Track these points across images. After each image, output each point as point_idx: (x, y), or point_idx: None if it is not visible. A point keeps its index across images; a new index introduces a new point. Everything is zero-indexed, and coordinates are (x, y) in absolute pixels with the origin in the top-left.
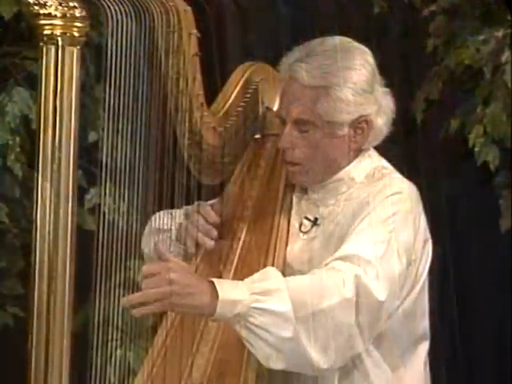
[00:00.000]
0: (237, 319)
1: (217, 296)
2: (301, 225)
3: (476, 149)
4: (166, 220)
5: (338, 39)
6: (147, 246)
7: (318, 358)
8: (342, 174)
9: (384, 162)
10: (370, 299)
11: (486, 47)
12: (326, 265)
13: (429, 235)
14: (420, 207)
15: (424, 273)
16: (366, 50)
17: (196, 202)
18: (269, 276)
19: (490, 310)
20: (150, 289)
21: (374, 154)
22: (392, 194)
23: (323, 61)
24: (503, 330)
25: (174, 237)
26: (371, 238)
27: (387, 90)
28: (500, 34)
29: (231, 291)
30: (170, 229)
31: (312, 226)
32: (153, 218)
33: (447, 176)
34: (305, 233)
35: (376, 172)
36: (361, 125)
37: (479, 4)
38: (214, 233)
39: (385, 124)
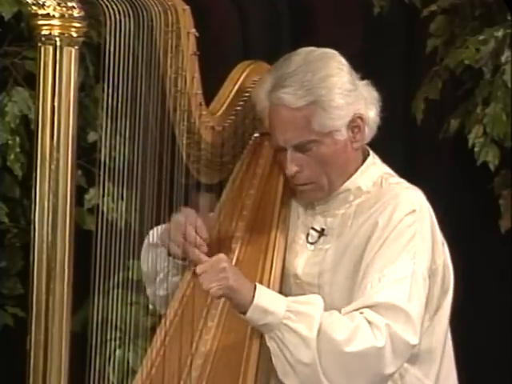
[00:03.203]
0: (267, 328)
1: (252, 300)
2: (307, 235)
3: (476, 149)
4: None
5: (302, 52)
6: (145, 263)
7: None
8: (348, 183)
9: (388, 169)
10: (402, 346)
11: (485, 47)
12: (356, 310)
13: (443, 238)
14: (431, 214)
15: (450, 276)
16: (333, 51)
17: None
18: (311, 302)
19: (489, 310)
20: (210, 280)
21: (377, 161)
22: (406, 215)
23: (302, 78)
24: (503, 329)
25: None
26: (395, 275)
27: (366, 81)
28: (500, 33)
29: (267, 301)
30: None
31: (319, 237)
32: (150, 232)
33: (447, 176)
34: (312, 243)
35: (383, 181)
36: (356, 123)
37: (479, 4)
38: (204, 248)
39: (376, 114)
